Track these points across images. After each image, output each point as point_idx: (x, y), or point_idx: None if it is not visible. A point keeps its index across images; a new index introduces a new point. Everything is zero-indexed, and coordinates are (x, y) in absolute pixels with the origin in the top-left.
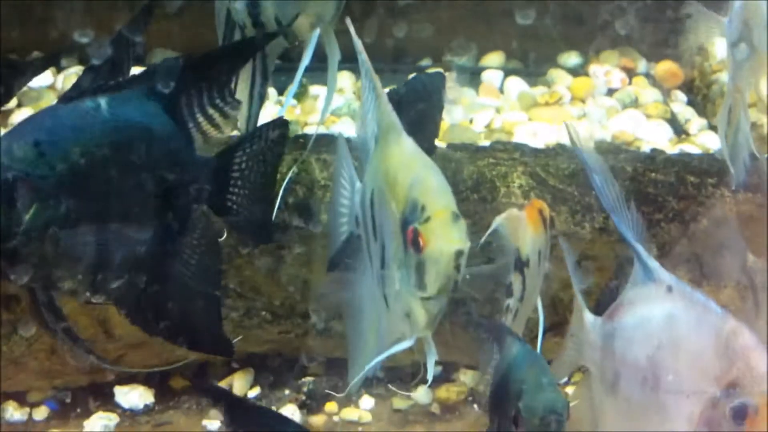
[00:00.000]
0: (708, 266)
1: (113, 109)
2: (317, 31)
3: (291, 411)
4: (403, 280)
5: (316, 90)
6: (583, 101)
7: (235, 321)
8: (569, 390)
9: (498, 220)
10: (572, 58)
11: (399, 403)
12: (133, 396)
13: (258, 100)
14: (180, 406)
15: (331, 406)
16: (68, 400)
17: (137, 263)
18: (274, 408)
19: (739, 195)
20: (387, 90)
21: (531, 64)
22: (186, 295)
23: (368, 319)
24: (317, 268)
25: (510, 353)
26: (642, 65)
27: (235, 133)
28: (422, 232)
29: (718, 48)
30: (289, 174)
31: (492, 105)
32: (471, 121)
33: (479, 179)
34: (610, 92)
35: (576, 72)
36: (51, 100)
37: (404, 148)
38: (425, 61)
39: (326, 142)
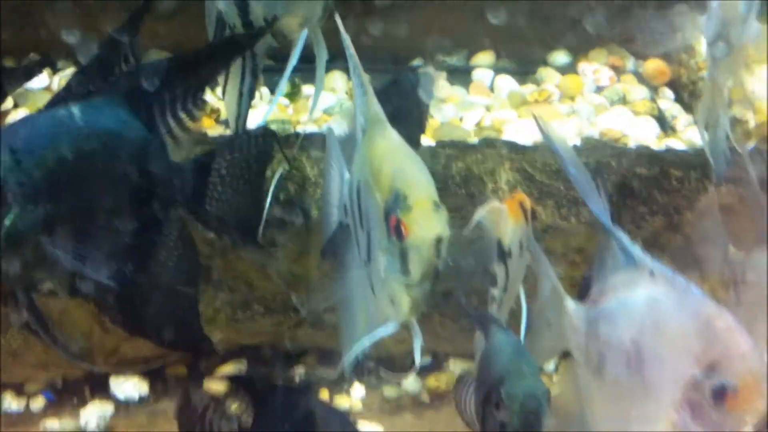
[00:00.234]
0: (691, 258)
1: (86, 117)
2: (305, 31)
3: None
4: (388, 267)
5: (309, 90)
6: (572, 99)
7: (228, 314)
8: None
9: (480, 213)
10: (561, 57)
11: (389, 391)
12: (128, 386)
13: (248, 98)
14: (175, 395)
15: (323, 395)
16: (65, 391)
17: (114, 265)
18: None
19: (722, 188)
20: None
21: (521, 63)
22: (164, 295)
23: (358, 305)
24: (309, 262)
25: (494, 341)
26: (630, 63)
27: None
28: (404, 220)
29: (704, 46)
30: (278, 173)
31: (482, 103)
32: (461, 119)
33: (467, 175)
34: (599, 90)
35: (565, 70)
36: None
37: (388, 139)
38: (417, 61)
39: (318, 140)
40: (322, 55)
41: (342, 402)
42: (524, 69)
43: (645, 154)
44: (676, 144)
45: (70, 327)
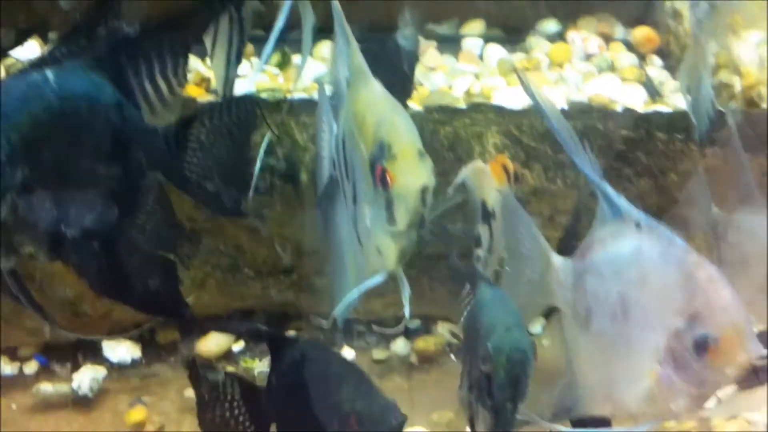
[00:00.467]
0: (675, 217)
1: (59, 81)
2: None
3: None
4: (374, 217)
5: (299, 60)
6: (560, 66)
7: (218, 279)
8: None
9: (464, 173)
10: (551, 26)
11: (379, 354)
12: (121, 350)
13: (235, 64)
14: (166, 359)
15: None
16: (58, 355)
17: (91, 229)
18: (258, 360)
19: (706, 149)
20: None
21: (511, 32)
22: (141, 259)
23: (348, 256)
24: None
25: (482, 297)
26: (619, 31)
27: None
28: (389, 169)
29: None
30: (265, 141)
31: (471, 71)
32: (450, 87)
33: (455, 139)
34: (588, 58)
35: (555, 39)
36: None
37: (372, 90)
38: (407, 30)
39: (307, 106)
40: (308, 20)
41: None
42: (514, 38)
43: (630, 117)
44: (663, 110)
45: (62, 291)
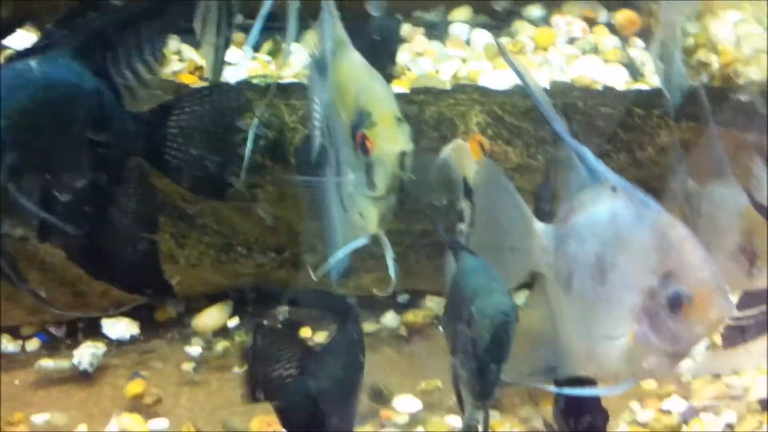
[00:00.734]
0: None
1: (42, 69)
2: None
3: None
4: (356, 182)
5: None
6: (545, 50)
7: (212, 257)
8: None
9: (446, 151)
10: (536, 11)
11: (369, 327)
12: (120, 327)
13: (223, 50)
14: (164, 336)
15: (305, 332)
16: (58, 333)
17: (76, 211)
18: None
19: (682, 124)
20: None
21: (497, 17)
22: (125, 240)
23: (335, 220)
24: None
25: (464, 265)
26: (603, 15)
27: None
28: (369, 136)
29: None
30: (252, 126)
31: (458, 56)
32: (437, 72)
33: (440, 118)
34: (572, 41)
35: (539, 23)
36: None
37: (352, 60)
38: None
39: (296, 89)
40: (294, 1)
41: (323, 338)
42: (500, 24)
43: (610, 95)
44: (642, 87)
45: (61, 270)
